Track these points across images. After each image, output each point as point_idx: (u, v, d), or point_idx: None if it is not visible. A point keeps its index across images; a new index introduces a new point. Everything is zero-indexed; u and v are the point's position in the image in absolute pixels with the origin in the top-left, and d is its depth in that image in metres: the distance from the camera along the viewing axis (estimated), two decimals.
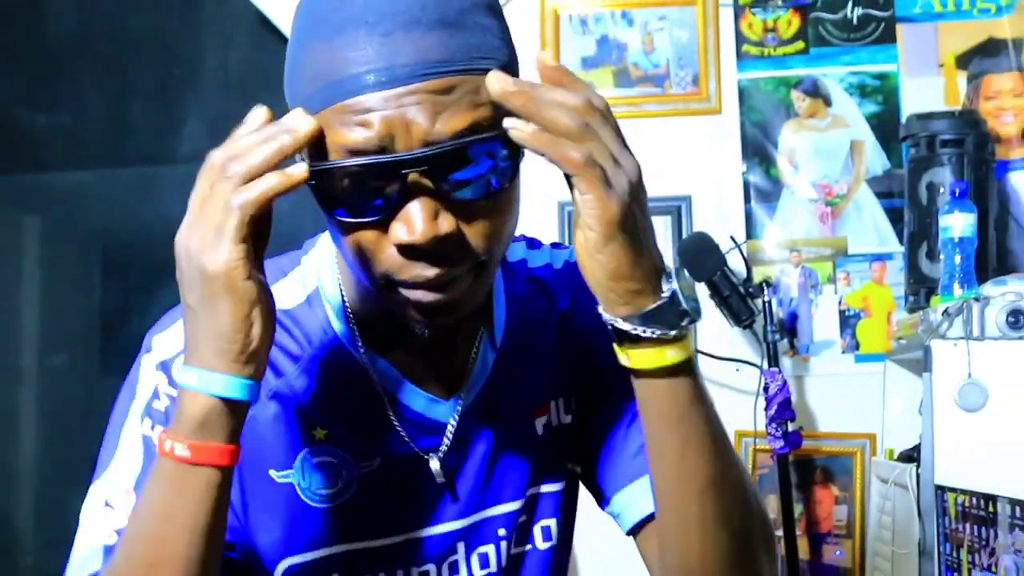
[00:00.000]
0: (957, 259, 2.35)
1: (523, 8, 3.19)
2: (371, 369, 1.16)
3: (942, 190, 2.60)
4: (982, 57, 3.01)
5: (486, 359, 1.22)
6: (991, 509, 1.93)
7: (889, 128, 3.05)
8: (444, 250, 0.96)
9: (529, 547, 1.27)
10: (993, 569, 1.91)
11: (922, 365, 2.20)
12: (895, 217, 3.00)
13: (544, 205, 3.11)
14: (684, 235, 3.00)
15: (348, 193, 0.96)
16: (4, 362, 3.61)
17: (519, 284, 1.28)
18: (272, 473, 1.14)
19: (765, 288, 2.78)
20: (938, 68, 3.07)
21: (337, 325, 1.17)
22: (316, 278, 1.19)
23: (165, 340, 1.16)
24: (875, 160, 3.07)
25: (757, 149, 3.10)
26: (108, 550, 1.10)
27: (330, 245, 1.19)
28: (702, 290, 2.90)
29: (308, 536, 1.15)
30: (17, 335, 3.61)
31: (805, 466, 2.98)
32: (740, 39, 3.14)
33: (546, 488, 1.27)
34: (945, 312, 2.18)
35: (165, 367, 1.14)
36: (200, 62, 3.54)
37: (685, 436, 1.04)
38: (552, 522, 1.28)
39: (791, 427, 2.68)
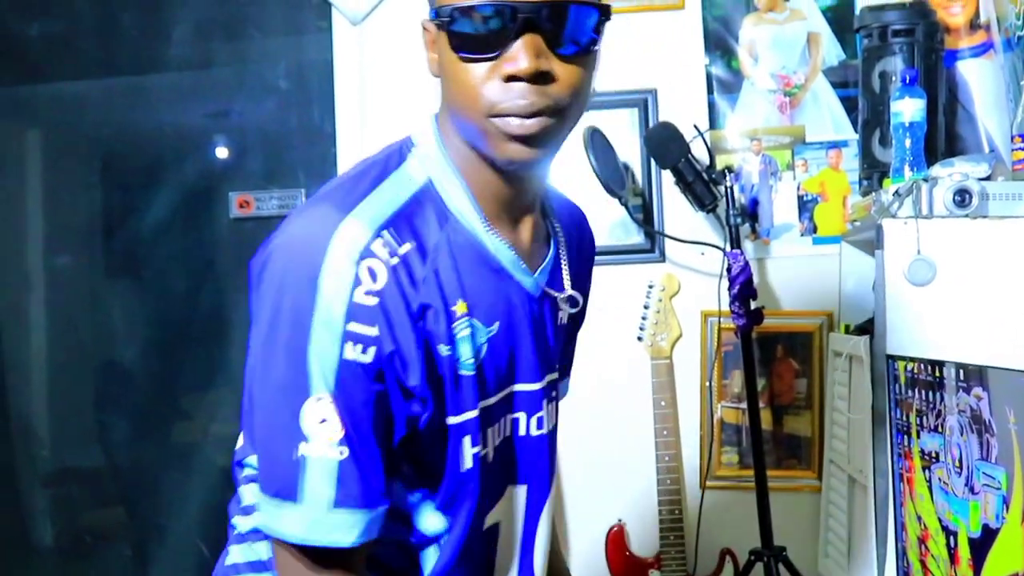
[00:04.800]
0: (907, 143, 2.33)
1: None
2: (491, 244, 1.28)
3: (894, 78, 2.57)
4: None
5: (554, 246, 1.41)
6: (938, 374, 1.94)
7: (844, 20, 3.00)
8: (538, 84, 1.16)
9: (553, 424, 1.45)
10: (939, 430, 1.93)
11: (875, 244, 2.20)
12: (850, 106, 2.97)
13: None
14: (650, 125, 2.97)
15: (470, 34, 1.17)
16: (13, 266, 3.58)
17: (556, 199, 1.52)
18: (440, 348, 1.21)
19: (727, 175, 2.77)
20: None
21: (458, 206, 1.27)
22: (425, 171, 1.28)
23: (356, 223, 1.18)
24: (831, 51, 3.03)
25: (719, 43, 3.06)
26: (341, 466, 1.14)
27: (432, 139, 1.30)
28: (668, 177, 2.89)
29: (462, 399, 1.24)
30: (24, 240, 3.58)
31: (767, 342, 2.99)
32: None
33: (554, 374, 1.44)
34: (896, 193, 2.17)
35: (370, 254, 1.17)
36: None
37: None
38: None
39: (753, 306, 2.68)
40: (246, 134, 3.46)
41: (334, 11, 3.22)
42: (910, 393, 2.06)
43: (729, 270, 2.68)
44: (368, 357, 1.14)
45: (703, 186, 2.77)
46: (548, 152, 1.23)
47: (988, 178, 2.12)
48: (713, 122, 3.03)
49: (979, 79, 2.71)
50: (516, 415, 1.35)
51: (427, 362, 1.19)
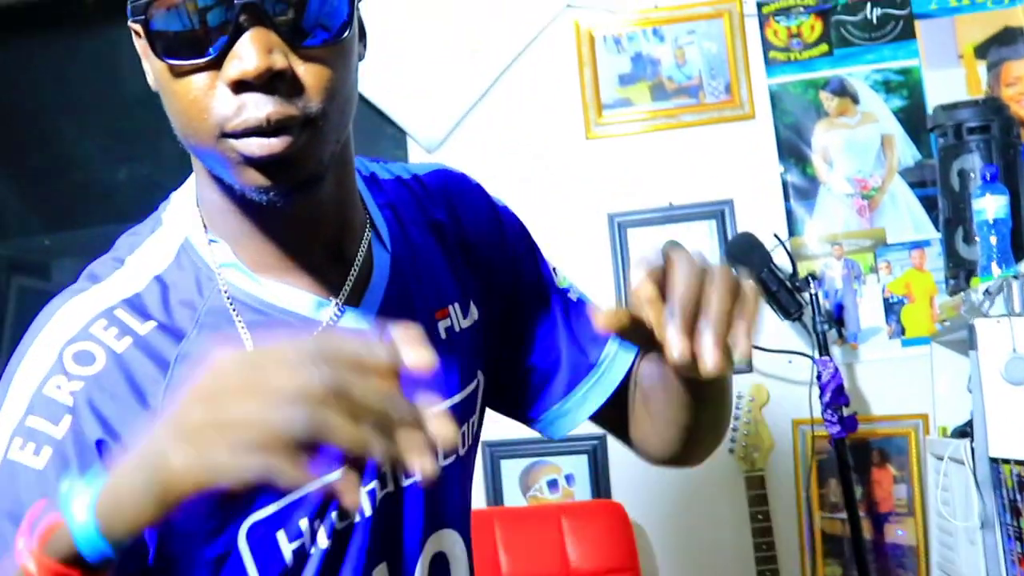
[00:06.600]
0: (993, 240, 2.32)
1: (560, 31, 3.18)
2: (279, 294, 1.04)
3: (973, 175, 2.56)
4: (999, 46, 2.97)
5: (382, 263, 1.12)
6: None
7: (916, 120, 3.01)
8: (276, 89, 0.89)
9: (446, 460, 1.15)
10: None
11: (967, 344, 2.17)
12: (930, 205, 2.96)
13: (594, 217, 3.09)
14: (729, 237, 2.98)
15: (178, 32, 0.90)
16: None
17: (384, 194, 1.21)
18: None
19: (811, 281, 2.76)
20: (958, 59, 3.02)
21: (219, 269, 1.03)
22: (182, 230, 1.06)
23: (69, 312, 1.00)
24: (906, 152, 3.03)
25: (792, 150, 3.07)
26: None
27: (189, 192, 1.08)
28: None
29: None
30: None
31: (862, 449, 2.93)
32: (767, 46, 3.11)
33: (457, 397, 1.16)
34: (986, 291, 2.15)
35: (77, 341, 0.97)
36: None
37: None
38: (464, 429, 1.19)
39: (846, 412, 2.65)
40: None
41: (409, 140, 3.30)
42: (1019, 497, 2.00)
43: (819, 377, 2.65)
44: (39, 461, 0.91)
45: (787, 294, 2.76)
46: (309, 173, 0.95)
47: None
48: (792, 229, 3.03)
49: None
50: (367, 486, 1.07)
51: None
